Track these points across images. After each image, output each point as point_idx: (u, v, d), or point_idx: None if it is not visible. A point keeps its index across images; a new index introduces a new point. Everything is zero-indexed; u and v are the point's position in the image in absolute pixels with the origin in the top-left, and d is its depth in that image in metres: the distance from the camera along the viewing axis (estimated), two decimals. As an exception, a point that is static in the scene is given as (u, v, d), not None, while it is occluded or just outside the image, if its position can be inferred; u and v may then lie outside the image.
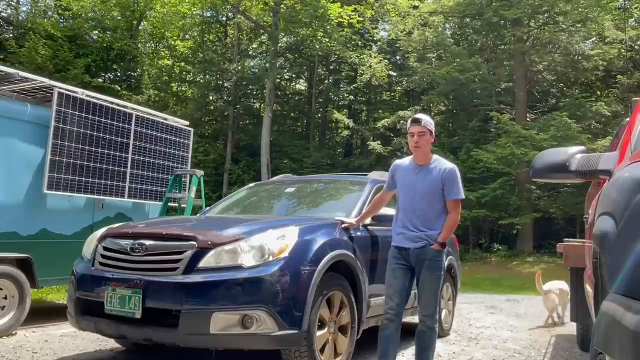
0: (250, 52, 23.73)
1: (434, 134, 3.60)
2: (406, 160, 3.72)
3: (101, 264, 3.75)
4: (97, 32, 20.34)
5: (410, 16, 20.97)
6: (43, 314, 6.22)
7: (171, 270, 3.40)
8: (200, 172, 7.18)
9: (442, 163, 3.59)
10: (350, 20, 18.63)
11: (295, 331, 3.35)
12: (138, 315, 3.36)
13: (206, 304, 3.25)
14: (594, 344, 1.56)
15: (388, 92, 23.14)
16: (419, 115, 3.62)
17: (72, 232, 5.93)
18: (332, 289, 3.70)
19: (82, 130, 5.93)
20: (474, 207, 16.51)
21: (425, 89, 20.50)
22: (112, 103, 6.51)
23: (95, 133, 6.11)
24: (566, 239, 5.42)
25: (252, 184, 6.02)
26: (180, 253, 3.43)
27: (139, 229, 3.87)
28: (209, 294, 3.27)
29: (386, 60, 20.92)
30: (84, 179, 5.96)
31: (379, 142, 18.94)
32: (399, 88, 23.31)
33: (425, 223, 3.49)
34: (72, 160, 5.81)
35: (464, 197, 3.56)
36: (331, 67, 24.40)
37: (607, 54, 17.96)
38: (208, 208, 5.45)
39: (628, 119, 3.10)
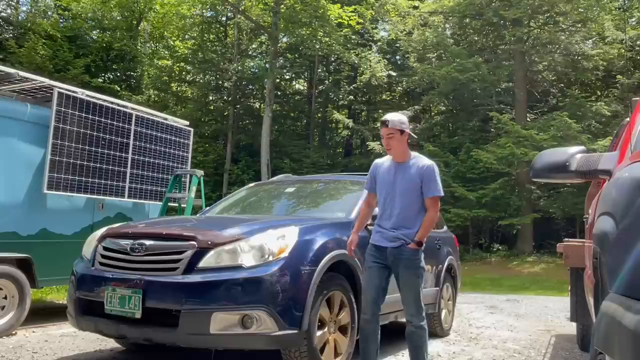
0: (250, 52, 23.73)
1: (406, 131, 3.49)
2: (386, 160, 3.66)
3: (101, 264, 3.75)
4: (96, 32, 20.35)
5: (410, 16, 20.98)
6: (43, 314, 6.23)
7: (171, 270, 3.40)
8: (200, 172, 7.18)
9: (421, 160, 3.52)
10: (350, 22, 18.63)
11: (295, 331, 3.35)
12: (138, 315, 3.36)
13: (206, 304, 3.25)
14: (594, 344, 1.56)
15: (388, 92, 23.16)
16: (387, 116, 3.52)
17: (72, 232, 5.93)
18: (332, 289, 3.70)
19: (82, 130, 5.93)
20: (474, 207, 16.52)
21: (425, 89, 20.50)
22: (112, 103, 6.51)
23: (95, 133, 6.11)
24: (566, 239, 5.42)
25: (252, 184, 6.02)
26: (180, 253, 3.43)
27: (139, 229, 3.87)
28: (209, 294, 3.27)
29: (385, 60, 20.91)
30: (84, 179, 5.96)
31: (379, 142, 18.93)
32: (399, 88, 23.32)
33: (404, 222, 3.44)
34: (72, 160, 5.81)
35: (442, 194, 3.49)
36: (331, 67, 24.41)
37: (607, 54, 17.97)
38: (208, 208, 5.45)
39: (628, 119, 3.10)
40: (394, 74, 21.68)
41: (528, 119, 18.78)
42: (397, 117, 3.52)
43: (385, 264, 3.47)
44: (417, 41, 20.34)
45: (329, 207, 4.88)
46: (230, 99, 22.29)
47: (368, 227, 4.28)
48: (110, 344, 4.69)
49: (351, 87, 22.23)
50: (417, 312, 3.42)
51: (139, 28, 21.74)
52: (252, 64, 22.97)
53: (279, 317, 3.27)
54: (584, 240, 4.69)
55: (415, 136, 3.74)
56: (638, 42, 18.62)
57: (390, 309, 4.20)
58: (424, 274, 3.52)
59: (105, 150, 6.25)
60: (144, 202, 6.92)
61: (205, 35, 22.93)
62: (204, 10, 22.27)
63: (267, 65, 20.52)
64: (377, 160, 3.72)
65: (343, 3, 18.99)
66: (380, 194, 3.58)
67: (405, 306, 3.46)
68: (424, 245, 3.45)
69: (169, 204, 7.27)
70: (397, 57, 23.23)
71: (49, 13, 20.95)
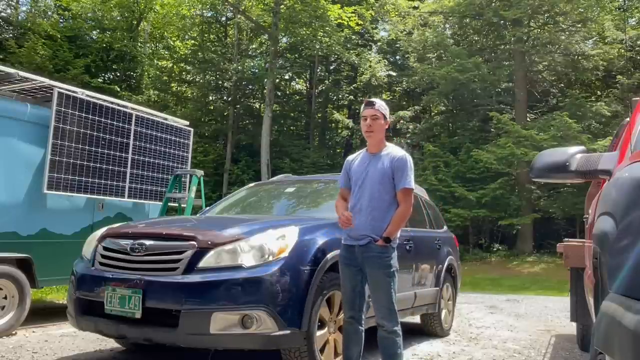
0: (250, 52, 23.74)
1: (388, 119, 3.39)
2: (358, 154, 3.53)
3: (101, 264, 3.74)
4: (96, 32, 20.35)
5: (410, 16, 20.99)
6: (43, 314, 6.23)
7: (171, 270, 3.39)
8: (200, 172, 7.18)
9: (395, 151, 3.38)
10: (350, 22, 18.63)
11: (295, 331, 3.35)
12: (138, 315, 3.35)
13: (206, 303, 3.25)
14: (594, 344, 1.56)
15: (388, 92, 23.16)
16: (374, 99, 3.41)
17: (72, 232, 5.93)
18: (332, 289, 3.69)
19: (82, 130, 5.93)
20: (474, 207, 16.53)
21: (425, 89, 20.51)
22: (112, 103, 6.52)
23: (95, 133, 6.11)
24: (566, 239, 5.42)
25: (252, 184, 6.02)
26: (180, 253, 3.43)
27: (139, 229, 3.87)
28: (209, 293, 3.27)
29: (385, 60, 20.90)
30: (84, 179, 5.96)
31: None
32: (399, 88, 23.33)
33: (374, 215, 3.24)
34: (72, 160, 5.81)
35: (413, 187, 3.33)
36: (331, 67, 24.41)
37: (607, 54, 17.98)
38: (208, 208, 5.45)
39: (628, 119, 3.10)
40: (394, 74, 21.68)
41: (528, 119, 18.79)
42: (383, 102, 3.41)
43: (357, 265, 3.29)
44: (417, 41, 20.35)
45: (329, 207, 4.86)
46: (230, 99, 22.29)
47: None
48: (110, 344, 4.69)
49: (351, 87, 22.23)
50: (389, 316, 3.21)
51: (139, 28, 21.73)
52: (252, 64, 22.99)
53: (279, 317, 3.27)
54: (584, 240, 4.69)
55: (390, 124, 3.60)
56: (638, 42, 18.63)
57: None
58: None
59: (105, 150, 6.25)
60: (144, 202, 6.92)
61: (205, 35, 22.94)
62: (204, 10, 22.27)
63: (267, 65, 20.52)
64: (349, 157, 3.60)
65: (343, 3, 18.99)
66: (352, 188, 3.43)
67: (376, 309, 3.25)
68: (395, 242, 3.28)
69: (169, 204, 7.27)
70: (397, 57, 23.23)
71: (49, 13, 20.92)
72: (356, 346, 3.33)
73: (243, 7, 20.95)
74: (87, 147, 6.01)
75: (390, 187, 3.29)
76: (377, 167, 3.31)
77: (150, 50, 22.82)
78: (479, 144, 17.70)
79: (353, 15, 18.79)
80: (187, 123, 7.82)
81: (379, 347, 3.29)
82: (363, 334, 3.37)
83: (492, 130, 18.29)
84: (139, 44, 21.03)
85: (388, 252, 3.23)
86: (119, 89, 17.86)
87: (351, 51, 19.97)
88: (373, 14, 21.22)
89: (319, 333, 3.58)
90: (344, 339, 3.39)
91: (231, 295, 3.25)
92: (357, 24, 19.16)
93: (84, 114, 5.96)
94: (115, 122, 6.36)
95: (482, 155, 16.42)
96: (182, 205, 7.16)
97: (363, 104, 3.41)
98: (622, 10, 19.96)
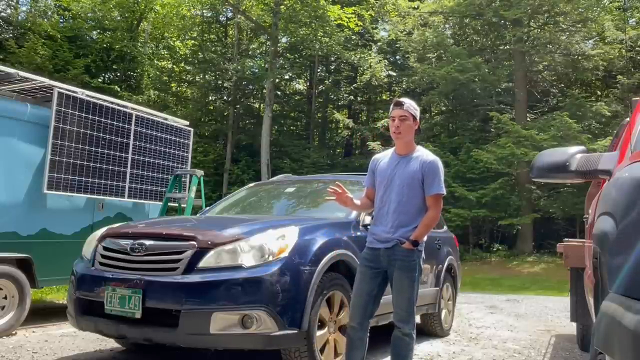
0: (250, 52, 23.74)
1: (418, 120, 3.24)
2: (387, 153, 3.38)
3: (101, 264, 3.75)
4: (96, 32, 20.35)
5: (410, 16, 20.98)
6: (43, 314, 6.23)
7: (171, 270, 3.40)
8: (200, 172, 7.19)
9: (425, 154, 3.24)
10: (349, 23, 18.63)
11: (295, 331, 3.35)
12: (138, 315, 3.36)
13: (206, 303, 3.25)
14: (594, 344, 1.56)
15: (388, 92, 23.16)
16: (403, 99, 3.27)
17: (72, 232, 5.93)
18: (332, 289, 3.70)
19: (82, 130, 5.93)
20: (474, 207, 16.52)
21: (425, 89, 20.50)
22: (112, 103, 6.52)
23: (95, 133, 6.11)
24: (566, 239, 5.42)
25: (252, 184, 6.02)
26: (180, 253, 3.43)
27: (139, 229, 3.87)
28: (209, 293, 3.27)
29: (385, 60, 20.91)
30: (84, 179, 5.96)
31: (378, 142, 18.95)
32: (399, 88, 23.33)
33: (401, 219, 3.15)
34: (72, 160, 5.81)
35: (445, 192, 3.21)
36: (331, 67, 24.41)
37: (607, 54, 17.97)
38: (208, 208, 5.45)
39: (628, 119, 3.10)
40: (394, 74, 21.67)
41: (528, 119, 18.78)
42: (413, 102, 3.27)
43: (379, 268, 3.19)
44: (417, 41, 20.33)
45: (329, 207, 4.86)
46: (230, 99, 22.30)
47: (369, 227, 4.27)
48: (110, 344, 4.69)
49: (351, 87, 22.23)
50: (407, 318, 3.15)
51: (139, 28, 21.73)
52: (252, 64, 22.99)
53: (278, 317, 3.27)
54: (584, 240, 4.69)
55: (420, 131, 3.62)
56: (638, 42, 18.62)
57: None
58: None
59: (105, 150, 6.25)
60: (144, 202, 6.92)
61: (205, 35, 22.94)
62: (204, 10, 22.28)
63: (267, 65, 20.53)
64: (377, 155, 3.46)
65: (343, 4, 18.99)
66: (378, 189, 3.29)
67: (396, 310, 3.18)
68: (422, 246, 3.19)
69: (169, 204, 7.27)
70: (397, 57, 23.23)
71: (49, 13, 20.91)
72: (359, 352, 3.23)
73: (243, 7, 20.95)
74: (87, 147, 6.01)
75: (419, 191, 3.18)
76: (407, 170, 3.19)
77: (151, 51, 22.80)
78: (479, 144, 17.69)
79: (353, 16, 18.79)
80: (187, 123, 7.83)
81: (391, 347, 3.22)
82: (367, 340, 3.28)
83: (492, 130, 18.28)
84: (139, 44, 21.02)
85: (414, 255, 3.14)
86: (119, 89, 17.86)
87: (351, 51, 19.97)
88: (373, 14, 21.22)
89: (319, 333, 3.58)
90: (347, 346, 3.28)
91: (231, 295, 3.26)
92: (357, 25, 19.16)
93: (84, 114, 5.96)
94: (115, 122, 6.36)
95: (482, 155, 16.42)
96: (182, 205, 7.17)
97: (392, 104, 3.27)
98: (622, 10, 19.95)
